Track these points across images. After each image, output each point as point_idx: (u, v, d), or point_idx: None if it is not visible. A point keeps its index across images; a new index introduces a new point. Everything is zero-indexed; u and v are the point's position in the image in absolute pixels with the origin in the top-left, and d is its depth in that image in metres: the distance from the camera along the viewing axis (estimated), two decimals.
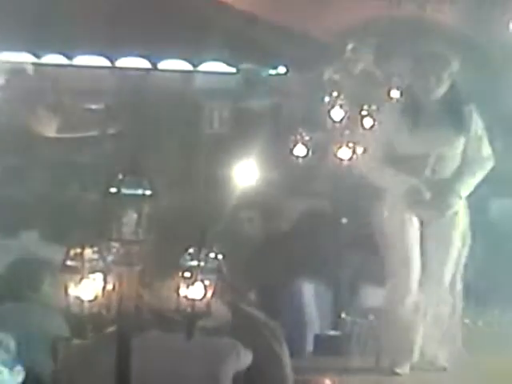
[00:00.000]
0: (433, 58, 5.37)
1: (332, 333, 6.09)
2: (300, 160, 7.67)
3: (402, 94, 7.49)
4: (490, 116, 5.51)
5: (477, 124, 5.45)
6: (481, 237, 6.11)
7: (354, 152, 7.21)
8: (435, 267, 5.35)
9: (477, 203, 5.57)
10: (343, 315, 5.93)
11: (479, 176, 5.46)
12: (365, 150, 5.62)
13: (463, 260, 5.43)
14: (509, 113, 9.13)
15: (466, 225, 5.44)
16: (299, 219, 7.11)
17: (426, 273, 5.38)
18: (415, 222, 5.34)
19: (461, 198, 5.38)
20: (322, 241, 6.63)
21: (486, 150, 5.50)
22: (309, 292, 6.31)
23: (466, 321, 5.86)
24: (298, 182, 7.82)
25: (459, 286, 5.48)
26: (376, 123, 5.84)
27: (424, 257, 5.36)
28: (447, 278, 5.38)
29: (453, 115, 5.37)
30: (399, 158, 5.36)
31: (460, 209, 5.40)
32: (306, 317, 6.17)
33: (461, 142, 5.37)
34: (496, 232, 7.15)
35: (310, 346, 5.95)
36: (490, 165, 5.51)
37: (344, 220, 6.56)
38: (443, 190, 5.31)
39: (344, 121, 7.54)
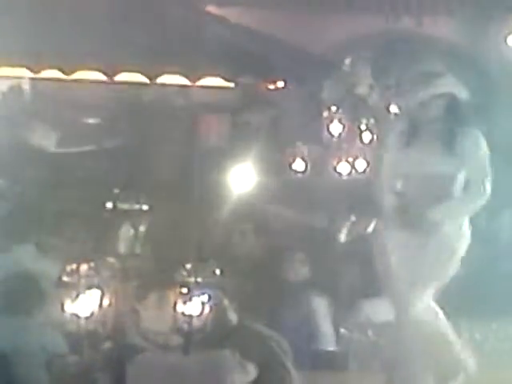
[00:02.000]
0: (427, 75, 5.31)
1: (331, 349, 6.05)
2: (298, 174, 7.65)
3: (399, 108, 7.46)
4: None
5: (477, 147, 5.32)
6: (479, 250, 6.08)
7: (352, 166, 7.19)
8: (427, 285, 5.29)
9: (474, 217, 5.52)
10: (342, 331, 5.89)
11: (478, 202, 5.31)
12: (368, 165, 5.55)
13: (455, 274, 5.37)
14: (507, 127, 9.12)
15: (465, 244, 5.36)
16: (298, 233, 7.09)
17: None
18: (409, 239, 5.28)
19: (454, 219, 5.27)
20: (319, 256, 6.61)
21: (487, 174, 5.33)
22: (307, 307, 6.28)
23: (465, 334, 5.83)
24: (296, 196, 7.79)
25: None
26: (375, 139, 5.78)
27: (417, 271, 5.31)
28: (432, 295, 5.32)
29: (450, 135, 5.29)
30: (390, 175, 5.32)
31: (461, 227, 5.31)
32: (305, 332, 6.14)
33: (454, 165, 5.27)
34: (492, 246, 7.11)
35: (309, 362, 5.92)
36: (485, 196, 5.35)
37: (343, 235, 6.53)
38: (422, 214, 5.22)
39: (342, 135, 7.53)
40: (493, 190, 5.31)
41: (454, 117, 5.24)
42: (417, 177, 5.20)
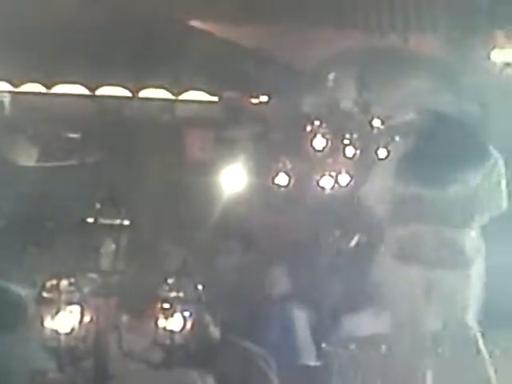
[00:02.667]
0: (403, 91, 5.32)
1: (312, 363, 6.03)
2: (282, 188, 7.65)
3: (382, 123, 7.47)
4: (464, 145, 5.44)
5: (492, 165, 5.28)
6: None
7: (335, 181, 7.19)
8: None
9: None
10: (324, 345, 5.86)
11: (485, 217, 5.31)
12: (371, 183, 5.49)
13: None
14: (492, 142, 9.14)
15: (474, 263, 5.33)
16: (280, 248, 7.07)
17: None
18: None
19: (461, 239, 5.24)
20: (302, 270, 6.59)
21: (498, 193, 5.21)
22: (290, 322, 6.25)
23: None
24: (279, 210, 7.79)
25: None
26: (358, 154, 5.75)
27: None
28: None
29: (462, 155, 5.22)
30: (400, 197, 5.28)
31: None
32: (288, 347, 6.12)
33: (466, 185, 5.21)
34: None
35: (292, 377, 5.89)
36: (500, 209, 5.32)
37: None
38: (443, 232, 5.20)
39: (326, 150, 7.54)
40: None
41: (463, 137, 5.20)
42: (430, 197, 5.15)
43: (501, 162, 5.27)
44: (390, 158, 5.41)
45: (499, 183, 5.24)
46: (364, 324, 5.77)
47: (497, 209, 5.27)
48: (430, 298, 5.20)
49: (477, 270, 5.24)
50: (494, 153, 5.26)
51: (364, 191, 5.50)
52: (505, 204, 5.26)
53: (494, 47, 10.72)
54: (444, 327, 5.22)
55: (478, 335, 5.30)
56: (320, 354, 5.94)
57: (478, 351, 5.27)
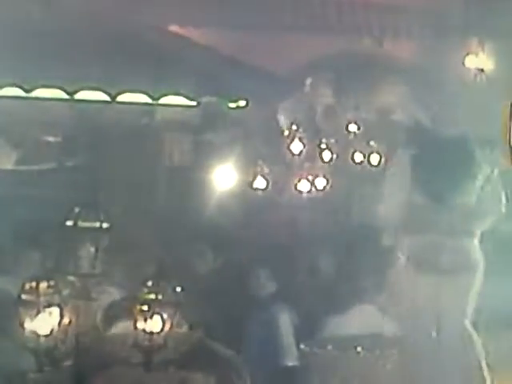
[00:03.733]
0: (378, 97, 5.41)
1: (290, 364, 6.07)
2: (260, 192, 7.71)
3: (359, 128, 7.55)
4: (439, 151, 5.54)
5: (487, 168, 5.40)
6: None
7: (312, 184, 7.25)
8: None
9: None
10: (302, 346, 5.91)
11: (489, 221, 5.44)
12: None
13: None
14: (458, 144, 9.22)
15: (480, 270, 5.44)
16: (259, 251, 7.12)
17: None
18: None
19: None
20: (279, 272, 6.64)
21: (497, 195, 5.43)
22: (267, 323, 6.29)
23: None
24: (257, 214, 7.84)
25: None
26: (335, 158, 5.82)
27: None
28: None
29: (463, 162, 5.33)
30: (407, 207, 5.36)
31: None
32: (265, 348, 6.15)
33: (471, 192, 5.31)
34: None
35: (269, 378, 5.92)
36: (501, 211, 5.44)
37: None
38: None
39: (303, 154, 7.61)
40: None
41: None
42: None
43: (497, 170, 5.40)
44: (400, 169, 5.49)
45: (497, 190, 5.36)
46: (342, 325, 5.83)
47: (496, 213, 5.39)
48: (436, 302, 5.32)
49: (479, 276, 5.37)
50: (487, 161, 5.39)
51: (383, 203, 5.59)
52: (503, 208, 5.40)
53: (467, 54, 10.84)
54: (445, 330, 5.32)
55: (475, 337, 5.40)
56: (299, 354, 5.98)
57: (474, 352, 5.38)
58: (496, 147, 7.91)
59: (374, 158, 8.01)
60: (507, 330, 6.17)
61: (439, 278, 5.33)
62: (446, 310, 5.34)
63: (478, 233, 5.40)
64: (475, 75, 10.65)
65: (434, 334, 5.36)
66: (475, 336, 5.41)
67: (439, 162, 5.36)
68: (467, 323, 5.38)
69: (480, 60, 10.66)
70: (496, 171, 5.38)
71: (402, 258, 5.50)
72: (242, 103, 9.26)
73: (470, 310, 5.38)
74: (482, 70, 10.63)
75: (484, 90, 10.34)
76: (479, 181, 5.31)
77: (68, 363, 4.43)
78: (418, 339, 5.52)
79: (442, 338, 5.35)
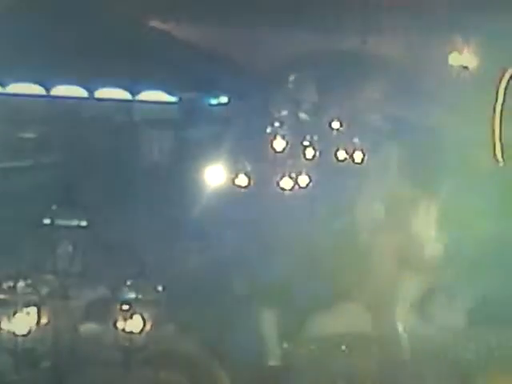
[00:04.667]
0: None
1: (273, 363, 6.02)
2: (242, 189, 7.64)
3: (341, 125, 7.50)
4: (422, 144, 5.50)
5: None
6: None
7: (295, 182, 7.19)
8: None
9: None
10: (285, 345, 5.86)
11: None
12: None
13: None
14: (442, 142, 9.23)
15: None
16: (241, 248, 7.06)
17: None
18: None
19: None
20: (263, 271, 6.59)
21: None
22: (252, 323, 6.25)
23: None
24: (239, 211, 7.77)
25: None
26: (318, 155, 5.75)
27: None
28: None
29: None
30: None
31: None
32: (249, 348, 6.11)
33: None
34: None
35: (253, 377, 5.88)
36: None
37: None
38: None
39: (286, 151, 7.55)
40: None
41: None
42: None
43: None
44: (385, 162, 5.46)
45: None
46: (326, 324, 5.79)
47: None
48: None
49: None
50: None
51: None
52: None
53: (452, 51, 10.82)
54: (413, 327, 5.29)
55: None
56: (284, 354, 5.93)
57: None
58: (483, 145, 7.90)
59: (358, 156, 7.95)
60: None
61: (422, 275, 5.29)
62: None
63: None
64: (459, 73, 10.64)
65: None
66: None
67: (425, 156, 5.32)
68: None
69: (464, 58, 10.64)
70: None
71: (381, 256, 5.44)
72: (224, 100, 9.18)
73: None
74: (467, 68, 10.62)
75: (469, 87, 10.34)
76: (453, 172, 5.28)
77: (46, 364, 4.37)
78: (399, 337, 5.48)
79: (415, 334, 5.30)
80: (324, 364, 5.48)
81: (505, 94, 6.15)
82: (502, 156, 6.13)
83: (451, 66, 10.70)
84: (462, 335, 5.99)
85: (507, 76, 6.09)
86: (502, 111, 6.06)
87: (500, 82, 6.07)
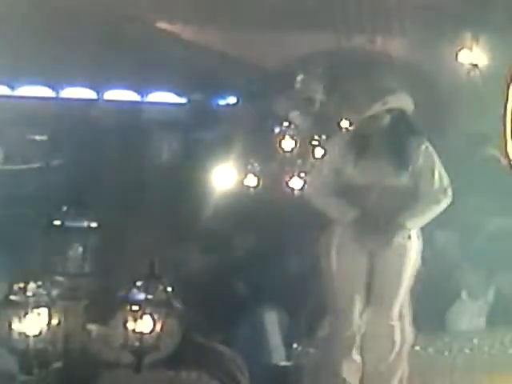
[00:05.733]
0: (374, 90, 5.33)
1: (283, 363, 6.01)
2: (251, 190, 7.65)
3: (350, 124, 7.48)
4: (436, 146, 5.46)
5: (427, 156, 5.36)
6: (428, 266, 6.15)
7: (305, 182, 7.18)
8: (385, 299, 5.28)
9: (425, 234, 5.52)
10: (295, 345, 5.85)
11: (433, 210, 5.36)
12: (311, 179, 5.53)
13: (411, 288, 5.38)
14: (455, 142, 9.21)
15: (416, 255, 5.38)
16: (250, 249, 7.06)
17: (374, 305, 5.31)
18: (362, 254, 5.26)
19: (408, 230, 5.28)
20: (272, 271, 6.59)
21: (440, 184, 5.34)
22: (261, 323, 6.25)
23: (417, 348, 5.85)
24: (249, 212, 7.78)
25: (408, 315, 5.43)
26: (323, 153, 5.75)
27: (373, 289, 5.30)
28: (396, 309, 5.31)
29: (398, 147, 5.31)
30: (345, 188, 5.30)
31: (410, 240, 5.32)
32: (259, 347, 6.11)
33: (406, 175, 5.28)
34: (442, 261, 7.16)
35: (262, 378, 5.88)
36: (446, 199, 5.37)
37: None
38: (387, 223, 5.23)
39: (295, 151, 7.55)
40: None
41: (403, 130, 5.28)
42: (374, 188, 5.21)
43: (431, 151, 5.31)
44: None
45: (433, 174, 5.29)
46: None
47: (436, 203, 5.29)
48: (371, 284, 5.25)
49: (411, 265, 5.27)
50: (427, 145, 5.31)
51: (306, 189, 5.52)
52: (444, 200, 5.30)
53: (461, 48, 10.80)
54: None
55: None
56: (292, 354, 5.92)
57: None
58: (490, 141, 7.88)
59: None
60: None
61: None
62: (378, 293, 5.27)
63: (413, 224, 5.27)
64: (469, 70, 10.62)
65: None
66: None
67: (378, 144, 5.28)
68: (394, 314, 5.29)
69: (474, 55, 10.63)
70: (431, 150, 5.29)
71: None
72: (233, 100, 9.20)
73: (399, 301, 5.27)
74: (476, 65, 10.60)
75: (478, 84, 10.32)
76: (415, 162, 5.24)
77: (57, 365, 4.37)
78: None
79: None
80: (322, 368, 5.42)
81: None
82: None
83: (461, 63, 10.68)
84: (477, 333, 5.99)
85: None
86: None
87: (510, 80, 6.06)
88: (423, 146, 5.29)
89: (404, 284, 5.26)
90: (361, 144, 5.28)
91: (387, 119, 5.25)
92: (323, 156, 5.60)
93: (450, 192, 5.31)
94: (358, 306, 5.21)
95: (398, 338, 5.30)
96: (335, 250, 5.27)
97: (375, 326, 5.24)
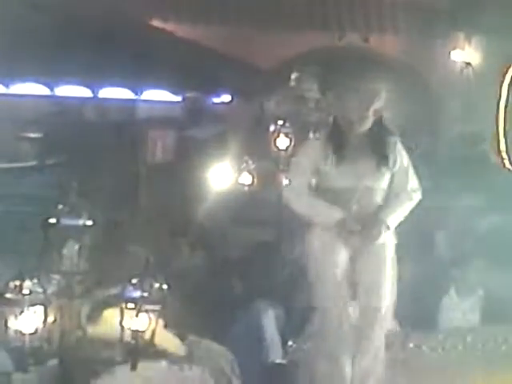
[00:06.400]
0: (361, 92, 5.35)
1: (279, 361, 6.03)
2: (246, 188, 7.66)
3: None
4: (427, 143, 5.49)
5: (402, 156, 5.41)
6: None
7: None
8: (369, 297, 5.31)
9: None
10: (290, 343, 5.86)
11: (407, 208, 5.38)
12: (290, 181, 5.53)
13: (395, 287, 5.42)
14: (447, 139, 9.24)
15: (393, 251, 5.44)
16: (244, 247, 7.07)
17: (360, 303, 5.34)
18: (345, 253, 5.30)
19: (389, 228, 5.34)
20: (266, 269, 6.60)
21: (413, 182, 5.38)
22: (256, 320, 6.26)
23: (411, 345, 5.87)
24: (243, 210, 7.79)
25: (391, 314, 5.45)
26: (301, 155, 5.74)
27: (356, 288, 5.34)
28: (383, 306, 5.34)
29: (377, 148, 5.36)
30: (326, 191, 5.33)
31: (388, 239, 5.37)
32: (254, 345, 6.12)
33: (386, 175, 5.34)
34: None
35: (258, 375, 5.89)
36: (417, 196, 5.47)
37: None
38: (370, 222, 5.28)
39: (289, 149, 7.55)
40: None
41: (380, 131, 5.32)
42: (354, 189, 5.25)
43: (403, 149, 5.37)
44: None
45: (407, 173, 5.36)
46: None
47: (409, 200, 5.35)
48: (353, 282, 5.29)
49: (389, 264, 5.31)
50: (400, 144, 5.37)
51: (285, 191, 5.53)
52: (415, 197, 5.37)
53: (454, 47, 10.83)
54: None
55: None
56: (288, 351, 5.94)
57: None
58: (483, 140, 7.90)
59: None
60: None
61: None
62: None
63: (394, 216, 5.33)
64: (462, 69, 10.65)
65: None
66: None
67: (356, 145, 5.32)
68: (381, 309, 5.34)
69: (466, 54, 10.66)
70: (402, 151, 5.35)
71: None
72: (227, 98, 9.20)
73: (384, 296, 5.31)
74: (469, 64, 10.64)
75: (471, 83, 10.35)
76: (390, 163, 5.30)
77: (53, 362, 4.38)
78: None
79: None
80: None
81: (508, 90, 6.15)
82: (507, 152, 6.13)
83: (454, 62, 10.71)
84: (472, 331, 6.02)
85: (511, 72, 6.09)
86: (506, 107, 6.06)
87: (503, 78, 6.07)
88: (398, 146, 5.37)
89: (386, 279, 5.30)
90: (339, 145, 5.31)
91: (371, 120, 5.30)
92: (301, 158, 5.59)
93: (419, 189, 5.40)
94: (344, 302, 5.25)
95: (384, 330, 5.35)
96: (319, 249, 5.31)
97: (363, 320, 5.28)
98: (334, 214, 5.23)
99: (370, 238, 5.25)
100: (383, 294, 5.29)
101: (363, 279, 5.28)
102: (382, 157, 5.31)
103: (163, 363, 4.55)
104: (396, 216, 5.35)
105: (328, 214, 5.25)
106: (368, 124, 5.30)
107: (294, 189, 5.39)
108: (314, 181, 5.34)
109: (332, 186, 5.29)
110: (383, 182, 5.33)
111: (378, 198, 5.33)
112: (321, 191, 5.32)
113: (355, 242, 5.27)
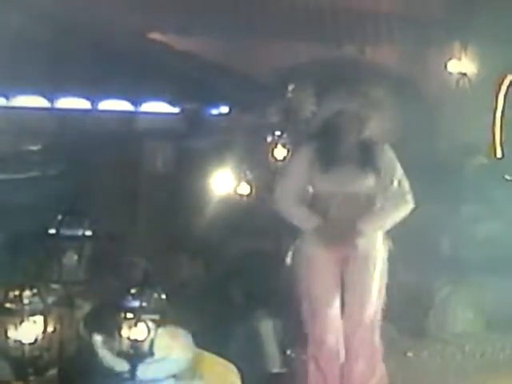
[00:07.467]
0: (356, 102, 5.37)
1: (277, 370, 6.04)
2: (244, 198, 7.69)
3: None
4: (422, 152, 5.51)
5: (391, 163, 5.39)
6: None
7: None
8: (356, 306, 5.31)
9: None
10: (288, 352, 5.88)
11: (396, 215, 5.31)
12: (278, 186, 5.56)
13: (383, 293, 5.41)
14: (441, 148, 9.27)
15: (383, 260, 5.42)
16: (243, 257, 7.09)
17: (346, 312, 5.35)
18: (331, 258, 5.30)
19: (366, 235, 5.31)
20: (265, 279, 6.62)
21: (403, 190, 5.32)
22: (254, 330, 6.28)
23: (409, 354, 5.90)
24: (242, 220, 7.82)
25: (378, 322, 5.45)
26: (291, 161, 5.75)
27: (344, 296, 5.34)
28: (369, 314, 5.34)
29: (365, 155, 5.36)
30: (312, 197, 5.35)
31: (376, 245, 5.36)
32: (253, 355, 6.13)
33: (372, 181, 5.33)
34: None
35: None
36: (408, 205, 5.38)
37: None
38: (348, 229, 5.28)
39: (287, 159, 7.59)
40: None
41: (367, 138, 5.35)
42: (336, 196, 5.26)
43: (393, 156, 5.38)
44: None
45: (392, 180, 5.35)
46: None
47: (394, 207, 5.34)
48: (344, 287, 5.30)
49: (379, 269, 5.31)
50: (390, 152, 5.38)
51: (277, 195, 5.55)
52: (404, 205, 5.35)
53: (450, 58, 10.88)
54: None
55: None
56: (286, 361, 5.95)
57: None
58: (479, 150, 7.94)
59: None
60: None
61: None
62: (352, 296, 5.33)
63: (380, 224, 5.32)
64: (458, 80, 10.70)
65: None
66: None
67: (345, 152, 5.33)
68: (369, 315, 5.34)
69: (462, 64, 10.71)
70: (395, 163, 5.36)
71: None
72: (225, 109, 9.25)
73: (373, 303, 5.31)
74: (465, 75, 10.69)
75: (467, 93, 10.38)
76: (380, 170, 5.31)
77: (52, 372, 4.41)
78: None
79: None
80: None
81: (504, 100, 6.19)
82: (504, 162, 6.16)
83: (450, 73, 10.75)
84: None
85: (507, 82, 6.14)
86: (501, 117, 6.10)
87: (499, 89, 6.11)
88: (388, 153, 5.36)
89: (375, 286, 5.30)
90: (329, 152, 5.33)
91: (363, 130, 5.33)
92: (291, 164, 5.61)
93: (409, 198, 5.37)
94: (333, 309, 5.26)
95: (376, 338, 5.35)
96: (305, 257, 5.33)
97: (352, 327, 5.29)
98: (311, 221, 5.25)
99: (349, 246, 5.24)
100: (368, 305, 5.27)
101: (349, 288, 5.28)
102: (368, 164, 5.31)
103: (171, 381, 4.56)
104: (376, 224, 5.32)
105: (305, 220, 5.27)
106: (360, 133, 5.33)
107: (281, 193, 5.43)
108: (301, 186, 5.36)
109: (316, 191, 5.32)
110: (366, 188, 5.30)
111: (358, 205, 5.30)
112: (308, 197, 5.35)
113: (336, 249, 5.27)
